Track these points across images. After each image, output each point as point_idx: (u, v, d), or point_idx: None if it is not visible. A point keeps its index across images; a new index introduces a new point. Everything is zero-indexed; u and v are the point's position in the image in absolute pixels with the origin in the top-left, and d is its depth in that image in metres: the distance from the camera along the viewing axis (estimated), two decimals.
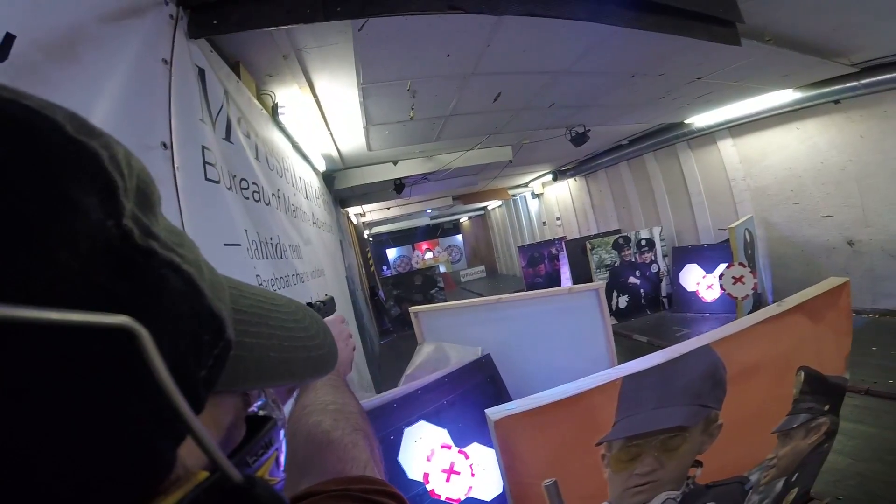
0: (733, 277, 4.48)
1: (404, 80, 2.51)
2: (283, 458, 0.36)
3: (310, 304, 0.84)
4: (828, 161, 4.76)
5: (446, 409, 1.80)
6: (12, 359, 0.16)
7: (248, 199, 1.64)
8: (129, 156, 0.22)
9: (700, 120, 5.30)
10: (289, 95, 2.50)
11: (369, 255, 9.19)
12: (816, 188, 4.96)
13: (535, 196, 10.32)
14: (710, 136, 5.74)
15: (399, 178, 5.50)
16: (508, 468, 1.29)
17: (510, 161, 5.51)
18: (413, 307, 2.90)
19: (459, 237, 16.62)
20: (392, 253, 15.81)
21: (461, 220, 16.30)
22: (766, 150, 5.34)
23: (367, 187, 5.41)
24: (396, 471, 1.91)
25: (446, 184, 7.21)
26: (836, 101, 4.34)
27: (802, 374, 1.69)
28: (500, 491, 1.73)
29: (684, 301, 6.06)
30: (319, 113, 2.86)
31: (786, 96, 4.41)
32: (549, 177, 8.71)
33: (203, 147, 1.30)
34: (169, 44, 1.27)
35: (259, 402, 0.37)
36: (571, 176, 8.50)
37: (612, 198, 7.91)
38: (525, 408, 1.27)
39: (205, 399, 0.24)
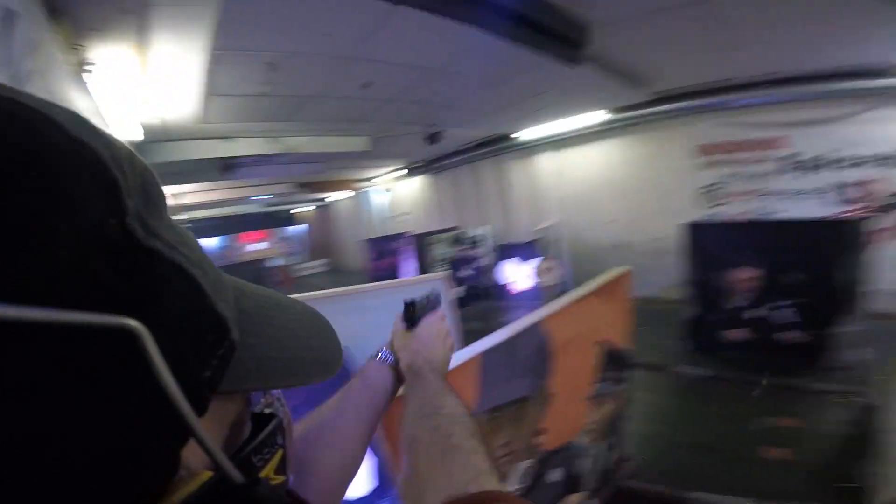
0: (543, 269, 5.41)
1: (268, 52, 2.27)
2: (289, 457, 0.35)
3: (412, 301, 0.78)
4: (617, 176, 6.09)
5: (304, 407, 1.73)
6: (13, 359, 0.16)
7: None
8: (133, 156, 0.22)
9: (528, 133, 6.15)
10: (111, 54, 2.02)
11: None
12: (605, 198, 6.28)
13: (385, 191, 10.41)
14: (533, 148, 6.71)
15: (233, 157, 4.91)
16: (391, 448, 1.30)
17: (366, 152, 5.46)
18: None
19: (300, 227, 15.58)
20: (214, 242, 13.76)
21: (304, 210, 15.32)
22: (573, 163, 6.53)
23: (193, 164, 4.66)
24: None
25: (291, 169, 6.72)
26: (633, 125, 5.51)
27: (602, 347, 2.14)
28: (373, 486, 1.77)
29: (505, 291, 6.93)
30: (146, 76, 2.36)
31: (597, 118, 5.39)
32: (400, 172, 8.91)
33: None
34: None
35: (263, 401, 0.36)
36: (421, 173, 8.84)
37: (453, 197, 8.55)
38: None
39: (208, 400, 0.23)
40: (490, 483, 0.46)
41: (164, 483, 0.22)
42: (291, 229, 15.21)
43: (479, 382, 1.46)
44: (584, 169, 6.46)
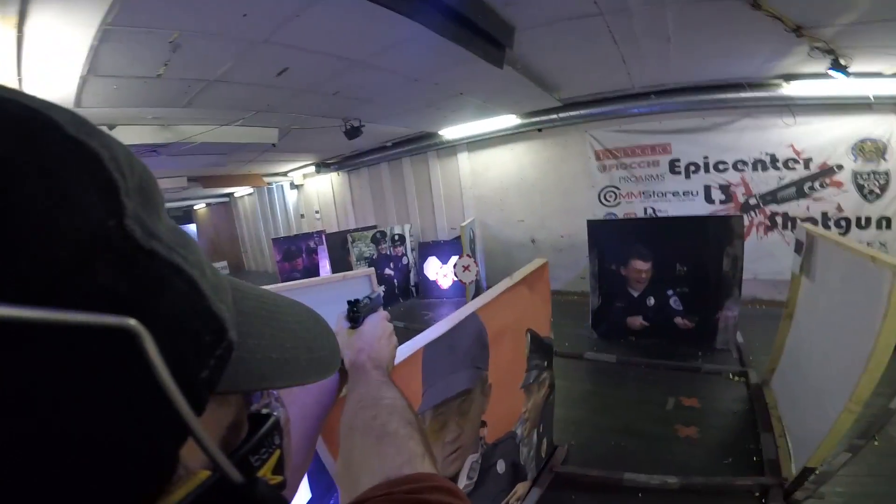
0: (463, 266, 5.55)
1: (171, 30, 1.97)
2: (287, 457, 0.35)
3: (356, 301, 0.79)
4: (526, 177, 6.45)
5: None
6: (13, 359, 0.16)
7: None
8: (131, 156, 0.22)
9: (448, 133, 6.25)
10: None
11: None
12: (516, 198, 6.64)
13: (293, 187, 9.74)
14: (453, 148, 6.85)
15: None
16: (330, 447, 1.21)
17: (273, 145, 5.07)
18: None
19: (193, 227, 13.91)
20: None
21: (196, 207, 13.69)
22: (489, 164, 6.78)
23: None
24: None
25: (183, 161, 5.98)
26: (539, 129, 5.91)
27: (529, 334, 2.24)
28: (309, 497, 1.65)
29: (427, 289, 7.02)
30: (16, 53, 1.92)
31: (510, 121, 5.67)
32: (312, 168, 8.44)
33: None
34: None
35: (262, 401, 0.35)
36: (335, 170, 8.49)
37: (371, 195, 8.36)
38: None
39: (206, 400, 0.24)
40: (424, 466, 0.48)
41: (162, 482, 0.22)
42: (183, 229, 13.56)
43: (422, 378, 1.41)
44: (497, 170, 6.74)
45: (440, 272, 6.97)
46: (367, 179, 8.32)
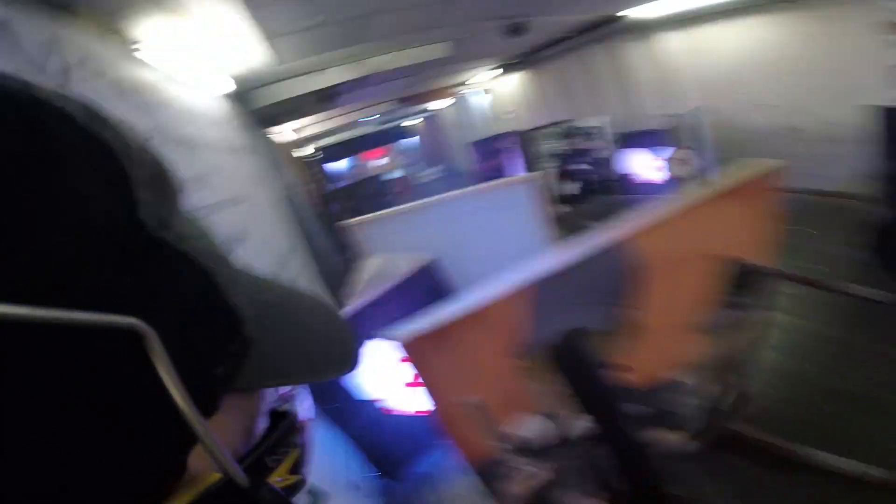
0: (679, 160, 4.56)
1: None
2: (306, 455, 0.35)
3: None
4: (772, 56, 4.69)
5: (400, 322, 1.80)
6: (18, 360, 0.15)
7: None
8: (144, 147, 0.22)
9: (645, 12, 4.97)
10: (153, 28, 2.06)
11: (318, 172, 8.77)
12: (759, 80, 4.92)
13: (485, 92, 9.86)
14: (651, 28, 5.49)
15: (330, 87, 5.01)
16: (431, 389, 1.23)
17: (450, 57, 5.04)
18: (349, 219, 2.77)
19: (412, 139, 15.94)
20: (343, 164, 14.96)
21: (413, 123, 15.40)
22: (709, 43, 5.17)
23: (296, 101, 4.90)
24: (349, 393, 1.95)
25: (387, 87, 6.68)
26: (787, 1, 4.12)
27: (730, 263, 1.59)
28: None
29: (633, 184, 6.14)
30: (200, 37, 2.40)
31: None
32: (498, 71, 8.22)
33: None
34: None
35: (279, 398, 0.35)
36: (521, 69, 8.08)
37: (560, 89, 7.65)
38: (434, 326, 1.15)
39: (221, 398, 0.23)
40: None
41: (169, 486, 0.21)
42: (405, 142, 15.66)
43: (531, 315, 1.25)
44: (727, 49, 5.06)
45: (646, 165, 5.95)
46: (554, 74, 7.55)
